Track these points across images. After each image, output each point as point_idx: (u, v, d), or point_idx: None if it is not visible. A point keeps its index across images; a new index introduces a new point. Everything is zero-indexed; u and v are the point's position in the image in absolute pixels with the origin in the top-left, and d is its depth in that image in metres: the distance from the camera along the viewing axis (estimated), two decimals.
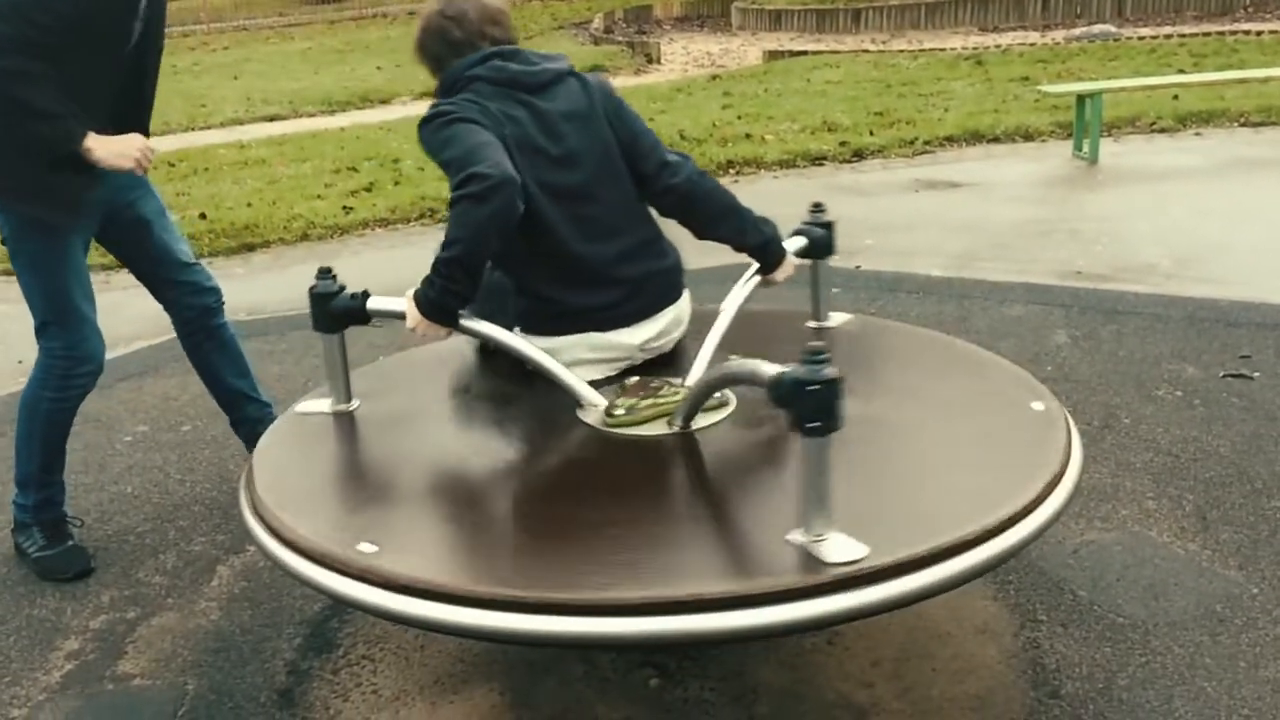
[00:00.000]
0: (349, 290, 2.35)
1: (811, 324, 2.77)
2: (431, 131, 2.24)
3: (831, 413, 1.71)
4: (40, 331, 2.75)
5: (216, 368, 3.09)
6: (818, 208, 2.73)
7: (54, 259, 2.67)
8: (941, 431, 2.17)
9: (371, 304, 2.31)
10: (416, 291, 2.18)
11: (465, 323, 2.22)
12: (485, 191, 2.05)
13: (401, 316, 2.21)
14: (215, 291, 3.06)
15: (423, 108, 2.42)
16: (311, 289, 2.34)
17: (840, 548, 1.73)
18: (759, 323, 2.69)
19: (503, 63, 2.32)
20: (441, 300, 2.15)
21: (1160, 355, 3.80)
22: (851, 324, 2.79)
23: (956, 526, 1.79)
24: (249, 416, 3.15)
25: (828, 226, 2.70)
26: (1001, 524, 1.81)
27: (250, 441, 3.14)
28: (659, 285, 2.44)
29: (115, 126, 2.68)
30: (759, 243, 2.49)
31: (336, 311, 2.32)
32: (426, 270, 2.14)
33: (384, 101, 11.71)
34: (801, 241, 2.66)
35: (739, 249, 2.51)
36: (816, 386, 1.70)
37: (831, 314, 2.80)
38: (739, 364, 1.97)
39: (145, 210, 2.88)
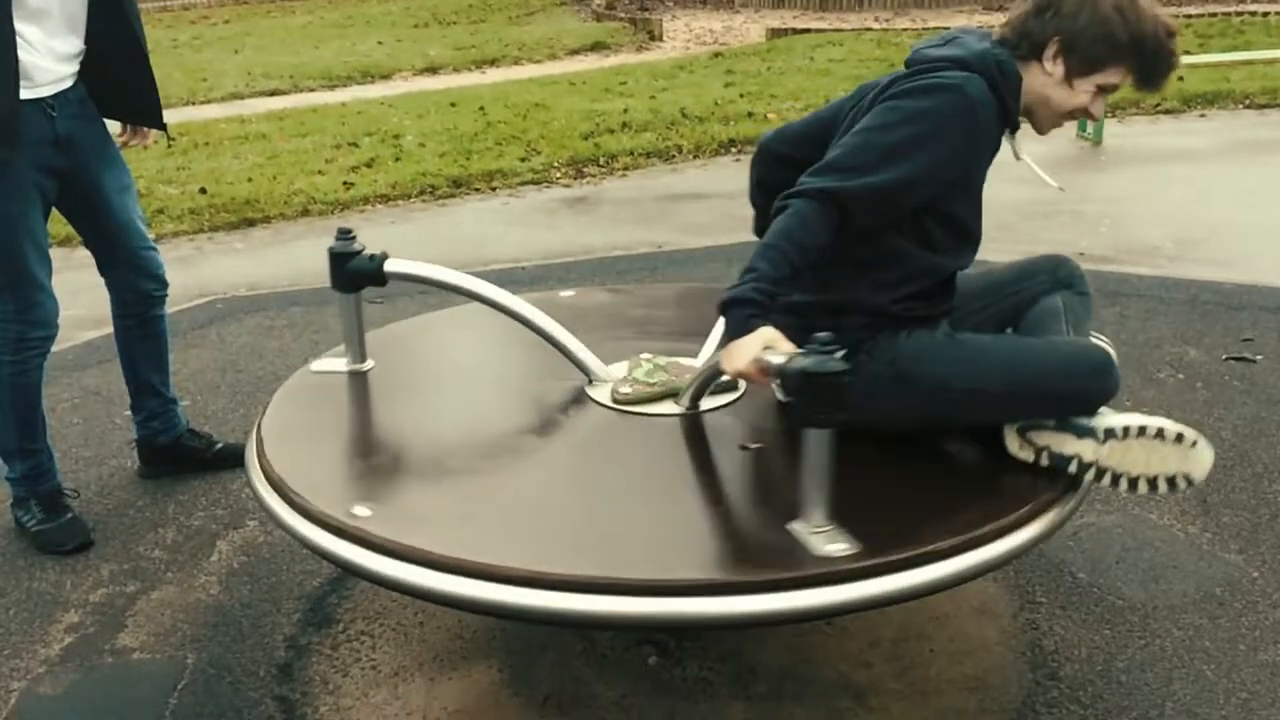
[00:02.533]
0: None
1: None
2: None
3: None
4: None
5: (136, 355, 3.04)
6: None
7: (9, 222, 2.61)
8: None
9: None
10: None
11: None
12: None
13: None
14: (160, 280, 2.97)
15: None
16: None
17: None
18: None
19: None
20: None
21: (1162, 338, 3.79)
22: None
23: (969, 524, 1.79)
24: (148, 407, 3.11)
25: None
26: (1014, 522, 1.82)
27: (141, 427, 3.13)
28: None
29: (102, 63, 2.66)
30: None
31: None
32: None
33: (385, 77, 11.60)
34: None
35: None
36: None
37: None
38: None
39: (105, 185, 2.80)
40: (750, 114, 7.99)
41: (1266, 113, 7.46)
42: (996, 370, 1.98)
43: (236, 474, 3.01)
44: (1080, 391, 1.94)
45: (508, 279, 4.76)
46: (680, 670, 2.22)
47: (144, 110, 2.90)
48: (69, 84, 2.67)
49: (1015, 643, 2.29)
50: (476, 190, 6.55)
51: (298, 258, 5.30)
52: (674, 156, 7.08)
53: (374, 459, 2.13)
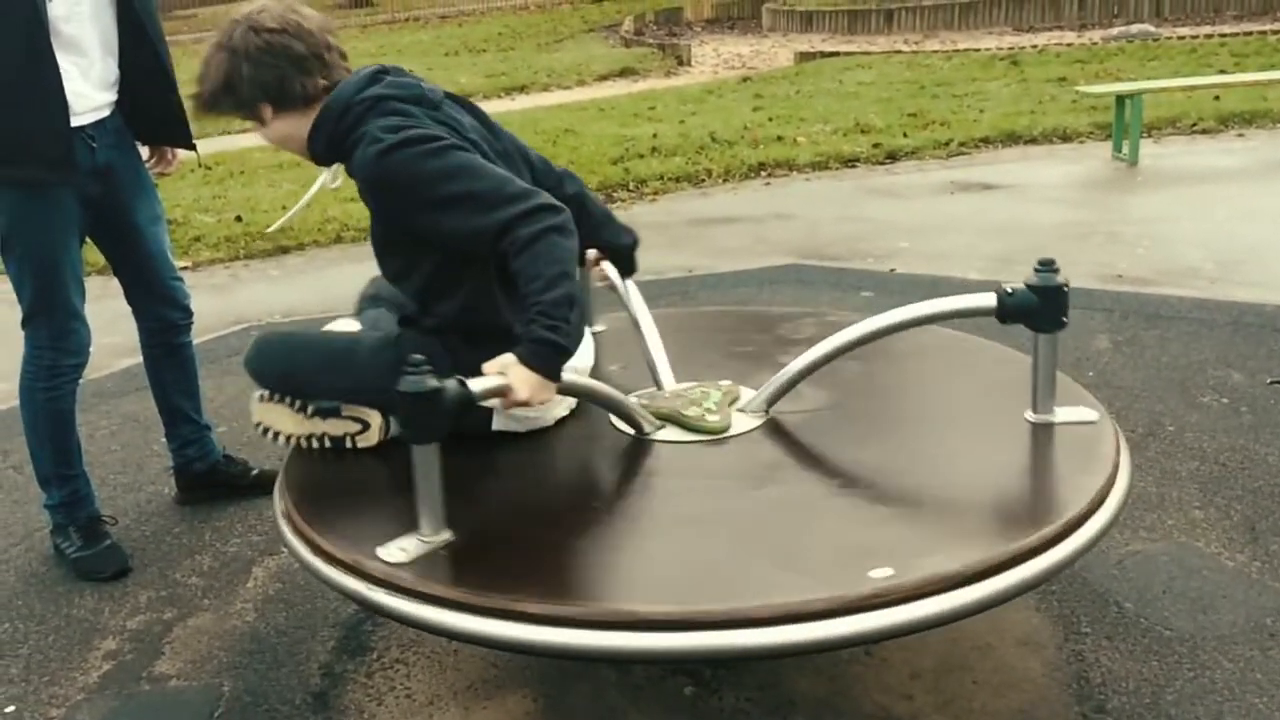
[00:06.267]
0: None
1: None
2: (418, 159, 1.95)
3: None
4: (26, 322, 2.72)
5: (166, 383, 3.07)
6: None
7: (49, 251, 2.64)
8: (987, 443, 2.14)
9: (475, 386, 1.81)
10: (522, 351, 1.86)
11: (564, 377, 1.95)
12: (567, 223, 1.93)
13: (503, 394, 1.84)
14: (185, 310, 3.01)
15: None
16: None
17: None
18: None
19: (400, 78, 2.16)
20: (568, 345, 1.89)
21: (1205, 361, 3.73)
22: None
23: (1001, 543, 1.76)
24: (181, 434, 3.13)
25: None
26: (1045, 542, 1.78)
27: (176, 455, 3.15)
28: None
29: (129, 86, 2.72)
30: None
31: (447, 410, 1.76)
32: None
33: None
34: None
35: None
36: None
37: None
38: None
39: (139, 216, 2.83)
40: (779, 137, 7.99)
41: None
42: None
43: (272, 500, 3.02)
44: None
45: None
46: (717, 700, 2.19)
47: (173, 132, 2.92)
48: (107, 113, 2.70)
49: (1060, 675, 2.24)
50: None
51: (331, 284, 5.34)
52: (703, 180, 7.08)
53: (401, 494, 2.11)
